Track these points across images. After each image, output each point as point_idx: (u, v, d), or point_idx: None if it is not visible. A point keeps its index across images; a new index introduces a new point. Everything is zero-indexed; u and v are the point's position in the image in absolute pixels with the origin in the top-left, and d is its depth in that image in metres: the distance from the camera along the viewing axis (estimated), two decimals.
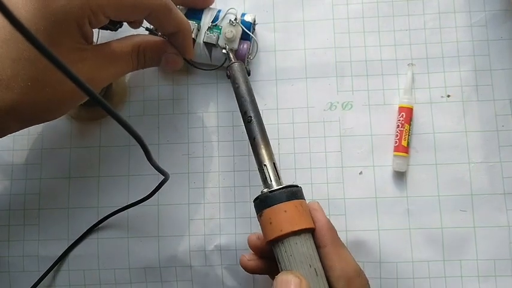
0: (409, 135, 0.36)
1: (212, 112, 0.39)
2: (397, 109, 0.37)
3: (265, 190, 0.30)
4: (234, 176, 0.38)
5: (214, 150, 0.38)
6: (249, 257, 0.32)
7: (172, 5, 0.31)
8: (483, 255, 0.35)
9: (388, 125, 0.37)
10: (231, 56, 0.36)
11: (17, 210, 0.38)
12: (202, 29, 0.36)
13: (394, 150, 0.36)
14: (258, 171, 0.31)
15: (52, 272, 0.37)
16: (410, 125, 0.36)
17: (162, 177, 0.33)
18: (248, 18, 0.37)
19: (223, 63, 0.37)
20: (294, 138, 0.38)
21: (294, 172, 0.37)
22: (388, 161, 0.37)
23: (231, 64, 0.35)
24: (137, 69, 0.34)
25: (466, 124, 0.37)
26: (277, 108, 0.38)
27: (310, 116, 0.38)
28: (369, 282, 0.30)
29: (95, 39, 0.32)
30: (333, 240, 0.30)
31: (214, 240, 0.37)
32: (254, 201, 0.31)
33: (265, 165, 0.31)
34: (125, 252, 0.37)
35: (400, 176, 0.36)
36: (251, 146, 0.32)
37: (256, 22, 0.38)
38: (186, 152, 0.38)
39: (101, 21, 0.30)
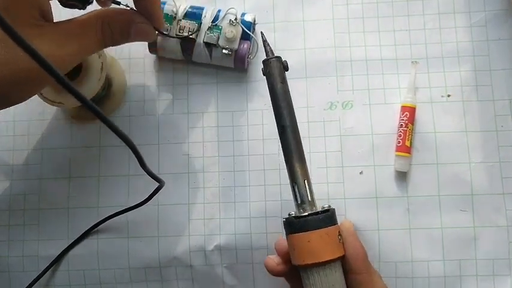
0: (412, 135, 0.36)
1: (212, 112, 0.39)
2: (397, 108, 0.37)
3: (293, 213, 0.29)
4: (234, 176, 0.38)
5: (214, 150, 0.38)
6: (277, 260, 0.32)
7: None
8: (482, 255, 0.35)
9: (388, 124, 0.37)
10: (268, 49, 0.32)
11: (17, 210, 0.38)
12: (202, 29, 0.36)
13: (397, 150, 0.36)
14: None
15: (52, 272, 0.37)
16: (413, 124, 0.36)
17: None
18: (248, 18, 0.37)
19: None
20: None
21: None
22: (388, 160, 0.37)
23: (268, 60, 0.31)
24: (106, 46, 0.31)
25: (466, 124, 0.37)
26: None
27: (310, 116, 0.38)
28: None
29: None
30: (368, 269, 0.30)
31: (214, 240, 0.37)
32: (283, 221, 0.30)
33: (295, 183, 0.29)
34: (125, 252, 0.37)
35: (401, 175, 0.36)
36: (284, 158, 0.30)
37: (256, 22, 0.38)
38: (186, 152, 0.38)
39: None
